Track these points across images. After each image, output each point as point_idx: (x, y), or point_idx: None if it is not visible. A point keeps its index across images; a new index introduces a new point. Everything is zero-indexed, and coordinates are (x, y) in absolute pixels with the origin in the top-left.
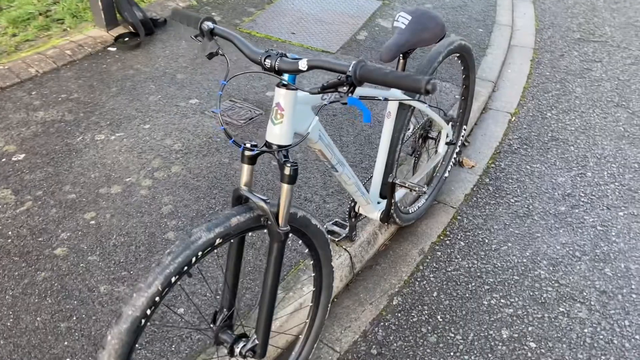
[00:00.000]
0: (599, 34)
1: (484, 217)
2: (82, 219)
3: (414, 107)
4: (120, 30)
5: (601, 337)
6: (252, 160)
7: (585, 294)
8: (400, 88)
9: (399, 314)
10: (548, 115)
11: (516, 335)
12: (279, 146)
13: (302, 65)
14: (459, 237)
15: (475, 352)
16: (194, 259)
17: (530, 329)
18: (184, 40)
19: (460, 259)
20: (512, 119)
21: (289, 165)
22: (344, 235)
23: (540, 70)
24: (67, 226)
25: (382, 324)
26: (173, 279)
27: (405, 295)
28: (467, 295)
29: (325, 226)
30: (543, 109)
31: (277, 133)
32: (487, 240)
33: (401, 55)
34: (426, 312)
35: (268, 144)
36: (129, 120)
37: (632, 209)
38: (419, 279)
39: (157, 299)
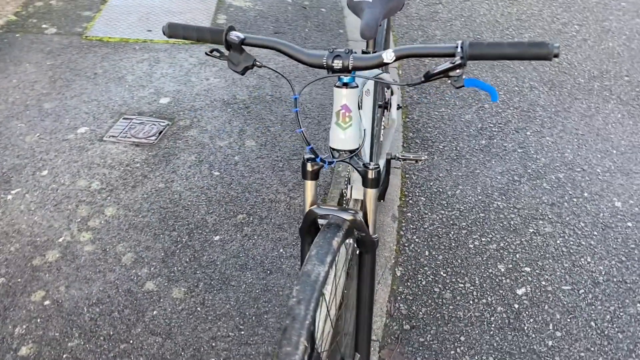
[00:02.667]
0: None
1: (427, 169)
2: (30, 303)
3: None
4: None
5: (571, 242)
6: (316, 176)
7: (540, 210)
8: (524, 58)
9: (408, 283)
10: (426, 61)
11: (510, 265)
12: (350, 151)
13: (388, 57)
14: (417, 194)
15: (488, 292)
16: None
17: (518, 256)
18: (27, 62)
19: (429, 213)
20: (400, 72)
21: (371, 168)
22: None
23: (399, 21)
24: (17, 318)
25: (399, 298)
26: (313, 329)
27: (403, 264)
28: (453, 244)
29: None
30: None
31: (346, 137)
32: (441, 189)
33: None
34: (429, 272)
35: (337, 152)
36: (17, 172)
37: (534, 127)
38: (406, 244)
39: (305, 357)
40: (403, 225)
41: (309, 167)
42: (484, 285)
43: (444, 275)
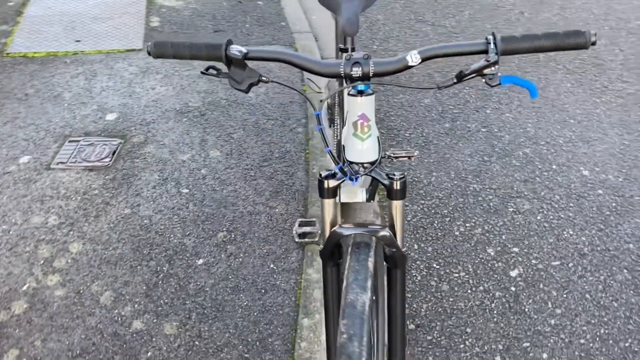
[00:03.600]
0: None
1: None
2: None
3: None
4: None
5: (551, 217)
6: (334, 193)
7: (515, 188)
8: (561, 49)
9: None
10: (375, 47)
11: (499, 248)
12: (371, 163)
13: (413, 59)
14: None
15: (483, 278)
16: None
17: (504, 237)
18: None
19: (410, 205)
20: None
21: (397, 179)
22: (320, 230)
23: None
24: None
25: None
26: None
27: None
28: (439, 234)
29: (294, 231)
30: (366, 43)
31: (367, 148)
32: (416, 179)
33: None
34: (422, 266)
35: (357, 165)
36: None
37: (492, 105)
38: None
39: None
40: (386, 221)
41: (328, 185)
42: (478, 271)
43: (437, 267)
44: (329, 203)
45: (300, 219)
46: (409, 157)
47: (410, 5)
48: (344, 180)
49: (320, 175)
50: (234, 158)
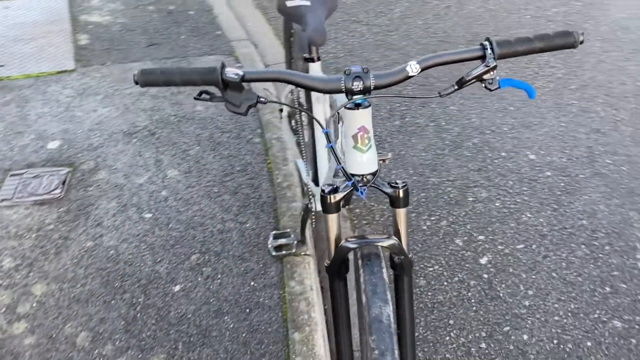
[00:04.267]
0: None
1: None
2: None
3: None
4: None
5: (508, 202)
6: (338, 208)
7: (471, 178)
8: (552, 49)
9: None
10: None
11: (466, 238)
12: (373, 174)
13: (413, 70)
14: None
15: (456, 269)
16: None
17: (468, 226)
18: None
19: (376, 205)
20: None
21: (401, 187)
22: (296, 241)
23: (271, 14)
24: None
25: None
26: None
27: None
28: (408, 230)
29: (269, 245)
30: None
31: (368, 160)
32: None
33: None
34: None
35: (358, 177)
36: None
37: (437, 99)
38: None
39: None
40: (356, 223)
41: (332, 200)
42: (450, 263)
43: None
44: (333, 218)
45: (273, 232)
46: (384, 161)
47: (343, 6)
48: (347, 194)
49: (323, 190)
50: (193, 176)
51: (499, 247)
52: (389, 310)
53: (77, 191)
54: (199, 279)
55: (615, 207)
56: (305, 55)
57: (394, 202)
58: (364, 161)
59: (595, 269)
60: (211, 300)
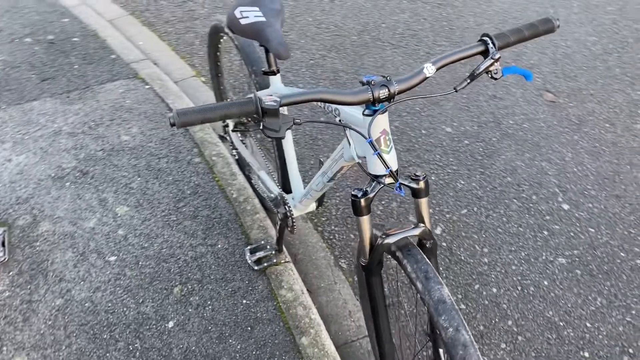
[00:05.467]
0: None
1: (299, 159)
2: None
3: None
4: None
5: (441, 174)
6: (370, 209)
7: (404, 158)
8: (537, 36)
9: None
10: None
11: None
12: (396, 171)
13: (430, 71)
14: None
15: None
16: None
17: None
18: None
19: (329, 200)
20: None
21: (422, 179)
22: (273, 251)
23: (161, 29)
24: None
25: None
26: None
27: (343, 256)
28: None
29: (248, 261)
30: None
31: (390, 159)
32: None
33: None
34: None
35: (382, 178)
36: None
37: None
38: (331, 237)
39: None
40: (315, 221)
41: (363, 203)
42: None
43: None
44: (365, 220)
45: (248, 247)
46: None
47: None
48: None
49: (356, 195)
50: (145, 208)
51: (447, 215)
52: (447, 289)
53: (23, 249)
54: (190, 310)
55: (529, 160)
56: (263, 69)
57: (418, 193)
58: (389, 161)
59: (530, 218)
60: (210, 328)
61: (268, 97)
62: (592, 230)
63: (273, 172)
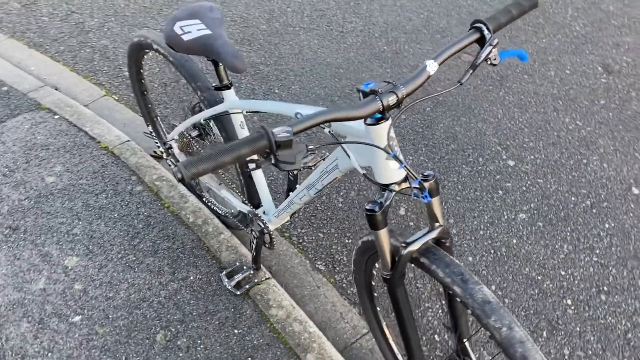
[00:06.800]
0: None
1: None
2: None
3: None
4: None
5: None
6: (386, 221)
7: None
8: (524, 13)
9: (336, 268)
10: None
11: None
12: (405, 177)
13: (432, 68)
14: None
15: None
16: None
17: (373, 189)
18: None
19: None
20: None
21: (431, 179)
22: (251, 270)
23: (53, 50)
24: None
25: (344, 285)
26: None
27: (320, 258)
28: (329, 213)
29: (228, 287)
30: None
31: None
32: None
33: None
34: (339, 247)
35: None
36: None
37: (290, 78)
38: (300, 241)
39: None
40: (279, 228)
41: (381, 216)
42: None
43: (348, 240)
44: (384, 233)
45: (223, 272)
46: (314, 165)
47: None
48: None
49: (373, 210)
50: (98, 254)
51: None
52: (486, 288)
53: None
54: (181, 355)
55: (466, 124)
56: (214, 84)
57: (430, 193)
58: (397, 167)
59: (483, 180)
60: None
61: (279, 129)
62: (541, 181)
63: (232, 186)
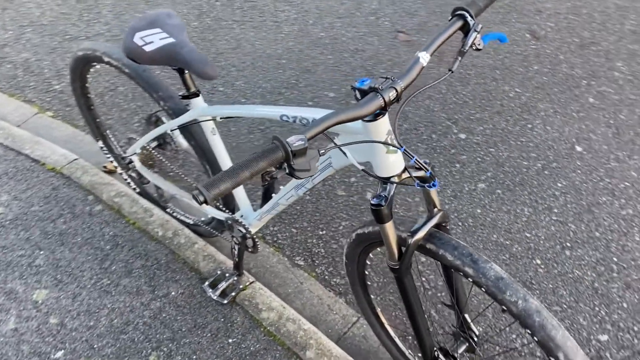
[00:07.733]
0: None
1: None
2: None
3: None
4: None
5: None
6: (392, 214)
7: None
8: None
9: (316, 260)
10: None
11: (353, 189)
12: (405, 168)
13: (425, 59)
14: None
15: (364, 213)
16: None
17: (358, 175)
18: None
19: None
20: None
21: (427, 165)
22: (235, 277)
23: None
24: None
25: (326, 276)
26: None
27: (298, 254)
28: (312, 207)
29: (213, 297)
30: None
31: (399, 157)
32: None
33: None
34: (316, 241)
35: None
36: None
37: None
38: (277, 238)
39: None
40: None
41: (386, 210)
42: (350, 213)
43: (322, 232)
44: (390, 225)
45: (205, 283)
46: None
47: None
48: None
49: (380, 204)
50: (69, 283)
51: (368, 180)
52: (496, 265)
53: None
54: None
55: (413, 103)
56: (181, 93)
57: (427, 181)
58: (397, 160)
59: (439, 156)
60: None
61: (292, 137)
62: (493, 150)
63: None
